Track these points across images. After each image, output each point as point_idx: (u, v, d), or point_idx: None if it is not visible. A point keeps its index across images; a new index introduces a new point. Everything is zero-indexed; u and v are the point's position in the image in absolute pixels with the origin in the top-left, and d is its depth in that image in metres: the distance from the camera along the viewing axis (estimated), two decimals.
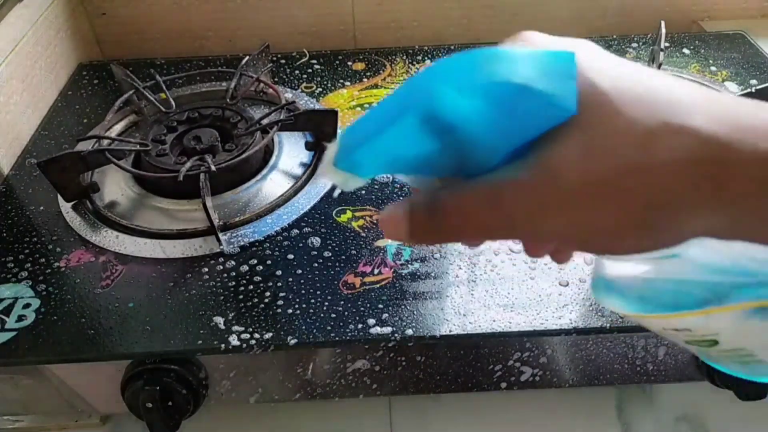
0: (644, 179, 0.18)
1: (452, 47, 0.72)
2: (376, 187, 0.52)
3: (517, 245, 0.46)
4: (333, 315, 0.41)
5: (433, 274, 0.44)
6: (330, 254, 0.46)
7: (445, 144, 0.20)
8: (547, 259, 0.45)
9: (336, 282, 0.44)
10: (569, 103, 0.19)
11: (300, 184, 0.53)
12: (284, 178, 0.54)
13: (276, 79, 0.68)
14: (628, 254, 0.21)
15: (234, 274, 0.45)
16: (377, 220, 0.24)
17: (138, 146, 0.52)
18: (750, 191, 0.18)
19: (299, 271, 0.45)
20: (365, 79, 0.67)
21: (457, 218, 0.21)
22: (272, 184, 0.53)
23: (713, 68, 0.67)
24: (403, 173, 0.22)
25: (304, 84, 0.67)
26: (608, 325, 0.40)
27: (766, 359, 0.25)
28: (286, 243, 0.47)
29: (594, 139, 0.19)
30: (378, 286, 0.43)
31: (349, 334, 0.40)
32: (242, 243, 0.47)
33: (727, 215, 0.19)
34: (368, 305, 0.42)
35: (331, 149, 0.21)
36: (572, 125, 0.19)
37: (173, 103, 0.58)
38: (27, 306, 0.42)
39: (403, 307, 0.42)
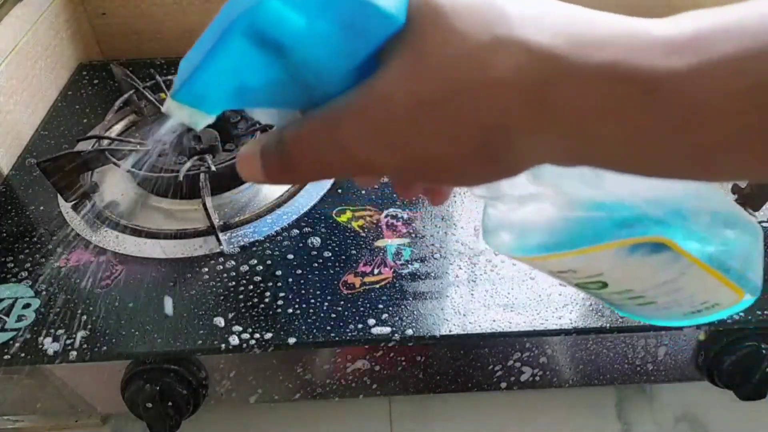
0: (474, 99, 0.17)
1: None
2: (376, 187, 0.52)
3: None
4: (333, 315, 0.41)
5: (433, 274, 0.44)
6: (330, 254, 0.46)
7: (282, 66, 0.18)
8: None
9: (336, 282, 0.44)
10: (396, 11, 0.17)
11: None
12: None
13: None
14: (476, 184, 0.20)
15: (234, 274, 0.45)
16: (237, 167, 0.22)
17: (138, 146, 0.52)
18: (582, 111, 0.16)
19: (299, 271, 0.45)
20: None
21: (299, 153, 0.19)
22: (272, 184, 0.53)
23: None
24: (254, 106, 0.20)
25: None
26: (608, 325, 0.40)
27: (658, 300, 0.24)
28: (286, 243, 0.47)
29: (422, 57, 0.17)
30: (378, 286, 0.43)
31: (349, 334, 0.40)
32: (242, 243, 0.47)
33: (563, 138, 0.17)
34: (368, 305, 0.42)
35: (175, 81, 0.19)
36: (401, 41, 0.17)
37: None
38: (27, 306, 0.42)
39: (403, 307, 0.42)
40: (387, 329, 0.40)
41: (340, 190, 0.52)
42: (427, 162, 0.18)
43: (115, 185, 0.54)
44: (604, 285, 0.24)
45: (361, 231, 0.48)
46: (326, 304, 0.42)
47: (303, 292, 0.43)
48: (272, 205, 0.51)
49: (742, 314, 0.41)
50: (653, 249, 0.21)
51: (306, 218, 0.49)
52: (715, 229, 0.22)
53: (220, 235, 0.47)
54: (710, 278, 0.22)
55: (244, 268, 0.45)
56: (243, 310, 0.42)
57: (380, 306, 0.42)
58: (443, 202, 0.27)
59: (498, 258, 0.45)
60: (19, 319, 0.41)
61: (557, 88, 0.16)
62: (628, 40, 0.16)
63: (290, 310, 0.41)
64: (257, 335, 0.40)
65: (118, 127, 0.60)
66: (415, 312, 0.41)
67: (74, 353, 0.39)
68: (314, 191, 0.52)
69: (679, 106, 0.16)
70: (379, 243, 0.47)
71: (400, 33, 0.18)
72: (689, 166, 0.17)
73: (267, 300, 0.42)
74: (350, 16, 0.17)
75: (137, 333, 0.40)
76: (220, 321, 0.41)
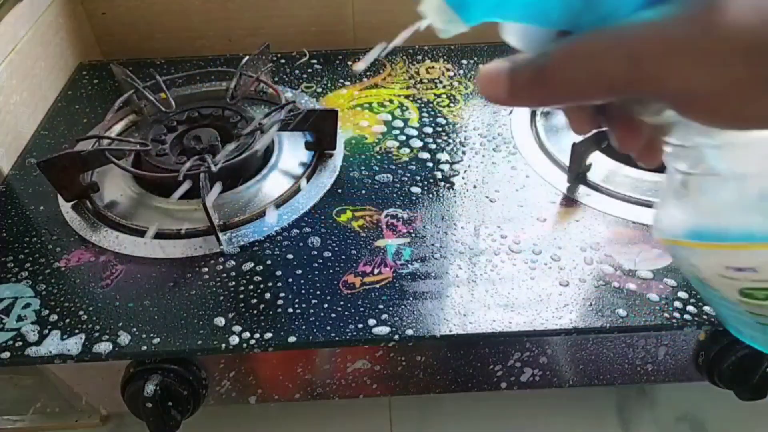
0: None
1: (453, 47, 0.72)
2: (376, 186, 0.52)
3: (517, 245, 0.46)
4: (333, 315, 0.41)
5: (433, 274, 0.44)
6: (330, 254, 0.46)
7: None
8: (546, 258, 0.45)
9: (336, 282, 0.44)
10: None
11: (300, 184, 0.53)
12: (284, 178, 0.54)
13: (276, 79, 0.68)
14: (746, 125, 0.18)
15: (234, 274, 0.45)
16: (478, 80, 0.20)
17: (138, 146, 0.52)
18: None
19: (299, 271, 0.45)
20: (365, 79, 0.67)
21: (566, 64, 0.18)
22: (272, 184, 0.53)
23: None
24: (514, 20, 0.19)
25: (304, 84, 0.67)
26: (608, 325, 0.40)
27: None
28: (286, 243, 0.47)
29: None
30: (378, 286, 0.43)
31: (349, 334, 0.40)
32: (242, 243, 0.47)
33: None
34: (368, 305, 0.42)
35: None
36: None
37: (173, 103, 0.58)
38: (27, 306, 0.42)
39: (403, 307, 0.42)
40: (387, 329, 0.40)
41: (340, 190, 0.52)
42: (722, 92, 0.17)
43: (115, 185, 0.54)
44: None
45: (361, 231, 0.48)
46: (326, 304, 0.42)
47: (303, 292, 0.43)
48: (272, 205, 0.51)
49: None
50: None
51: (306, 218, 0.49)
52: None
53: (220, 235, 0.47)
54: None
55: (244, 268, 0.45)
56: (243, 310, 0.42)
57: (380, 306, 0.42)
58: (655, 163, 0.24)
59: (498, 258, 0.45)
60: (19, 319, 0.41)
61: None
62: None
63: (290, 310, 0.41)
64: (257, 335, 0.40)
65: (118, 127, 0.60)
66: (415, 312, 0.41)
67: (74, 353, 0.39)
68: (314, 191, 0.52)
69: None
70: (379, 243, 0.47)
71: None
72: None
73: (267, 300, 0.42)
74: None
75: (137, 333, 0.40)
76: (220, 321, 0.41)
